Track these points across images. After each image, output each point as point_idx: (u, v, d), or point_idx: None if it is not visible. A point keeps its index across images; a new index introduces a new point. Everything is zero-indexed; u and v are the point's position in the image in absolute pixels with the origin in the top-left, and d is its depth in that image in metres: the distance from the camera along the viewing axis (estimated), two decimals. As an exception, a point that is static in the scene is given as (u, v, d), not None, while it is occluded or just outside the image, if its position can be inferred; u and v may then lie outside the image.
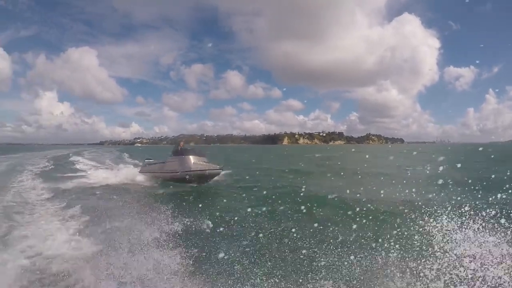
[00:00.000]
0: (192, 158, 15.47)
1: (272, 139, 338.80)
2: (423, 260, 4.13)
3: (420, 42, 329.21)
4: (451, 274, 3.61)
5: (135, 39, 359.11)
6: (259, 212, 8.39)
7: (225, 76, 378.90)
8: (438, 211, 5.31)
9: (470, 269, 3.53)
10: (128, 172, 18.88)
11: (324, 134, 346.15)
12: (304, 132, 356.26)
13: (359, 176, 16.92)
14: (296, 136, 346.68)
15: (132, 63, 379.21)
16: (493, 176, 9.62)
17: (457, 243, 4.10)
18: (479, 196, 7.37)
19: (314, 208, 8.61)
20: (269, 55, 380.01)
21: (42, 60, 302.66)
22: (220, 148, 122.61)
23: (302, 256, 5.12)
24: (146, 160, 20.87)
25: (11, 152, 48.44)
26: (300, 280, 4.35)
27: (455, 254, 3.85)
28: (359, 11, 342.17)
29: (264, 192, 11.47)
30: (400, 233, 5.46)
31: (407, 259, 4.44)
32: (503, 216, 4.17)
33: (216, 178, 15.98)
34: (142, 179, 16.95)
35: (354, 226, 6.21)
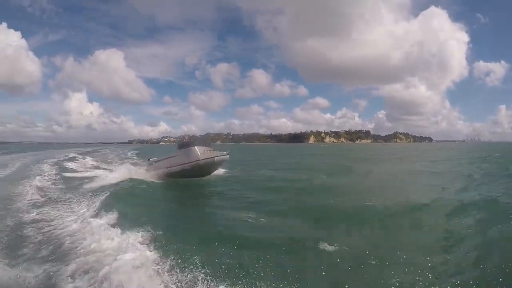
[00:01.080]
0: (197, 149, 15.80)
1: (298, 138, 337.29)
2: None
3: (448, 36, 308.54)
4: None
5: (160, 40, 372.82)
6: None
7: (251, 74, 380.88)
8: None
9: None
10: (130, 171, 18.55)
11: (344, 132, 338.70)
12: (330, 131, 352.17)
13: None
14: (322, 134, 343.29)
15: (158, 64, 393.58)
16: None
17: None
18: None
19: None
20: (294, 53, 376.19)
21: (70, 62, 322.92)
22: (242, 147, 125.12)
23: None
24: (151, 159, 20.73)
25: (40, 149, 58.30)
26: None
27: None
28: (383, 6, 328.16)
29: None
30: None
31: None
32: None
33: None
34: (149, 176, 17.07)
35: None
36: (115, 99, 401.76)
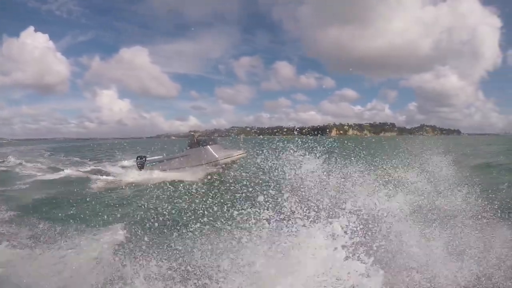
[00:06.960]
0: (211, 148, 16.14)
1: (321, 130, 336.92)
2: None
3: (478, 21, 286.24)
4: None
5: (186, 36, 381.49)
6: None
7: (275, 67, 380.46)
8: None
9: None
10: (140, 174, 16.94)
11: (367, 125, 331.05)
12: (354, 123, 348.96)
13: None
14: (345, 127, 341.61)
15: (184, 59, 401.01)
16: None
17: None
18: None
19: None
20: (317, 44, 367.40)
21: (97, 61, 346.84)
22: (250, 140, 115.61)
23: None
24: (148, 158, 18.50)
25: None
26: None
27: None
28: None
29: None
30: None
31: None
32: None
33: None
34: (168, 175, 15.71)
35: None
36: (143, 95, 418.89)
